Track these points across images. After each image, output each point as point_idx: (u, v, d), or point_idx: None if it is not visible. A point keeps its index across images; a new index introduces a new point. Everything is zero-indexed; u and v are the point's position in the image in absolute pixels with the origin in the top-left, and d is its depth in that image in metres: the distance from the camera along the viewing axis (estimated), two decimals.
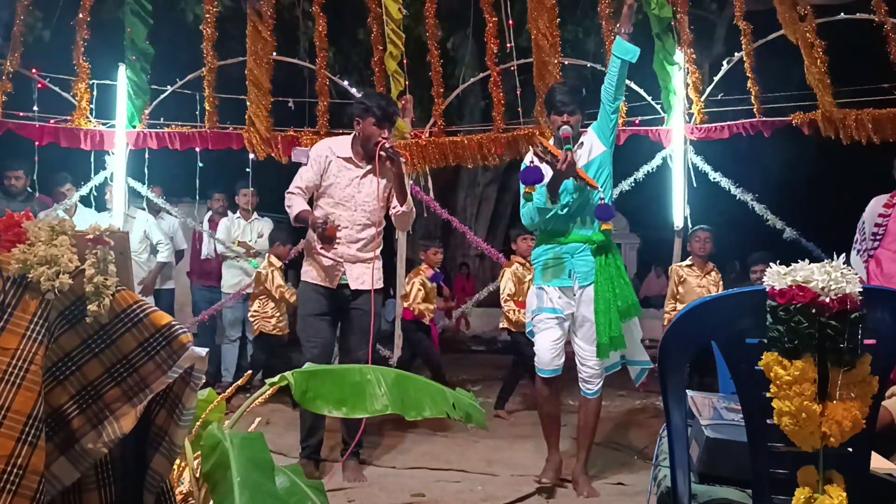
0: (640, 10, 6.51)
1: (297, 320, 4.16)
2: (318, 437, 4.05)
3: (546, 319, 3.74)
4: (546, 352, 3.73)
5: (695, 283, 5.53)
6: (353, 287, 3.94)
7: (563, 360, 3.78)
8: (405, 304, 6.22)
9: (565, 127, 3.62)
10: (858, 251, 4.79)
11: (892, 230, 4.66)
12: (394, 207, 3.97)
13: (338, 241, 3.81)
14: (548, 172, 3.60)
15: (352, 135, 3.99)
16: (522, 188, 3.65)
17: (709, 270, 5.52)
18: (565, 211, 3.69)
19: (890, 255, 4.64)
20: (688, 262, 5.65)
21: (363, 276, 3.97)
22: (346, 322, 4.02)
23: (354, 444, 3.98)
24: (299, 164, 4.08)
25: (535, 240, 3.96)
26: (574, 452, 4.46)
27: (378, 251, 4.09)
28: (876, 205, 4.78)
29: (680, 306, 5.56)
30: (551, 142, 3.79)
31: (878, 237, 4.70)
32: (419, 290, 6.16)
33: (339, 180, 3.93)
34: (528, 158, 3.70)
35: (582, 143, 3.74)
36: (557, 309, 3.72)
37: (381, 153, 3.80)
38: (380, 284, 4.07)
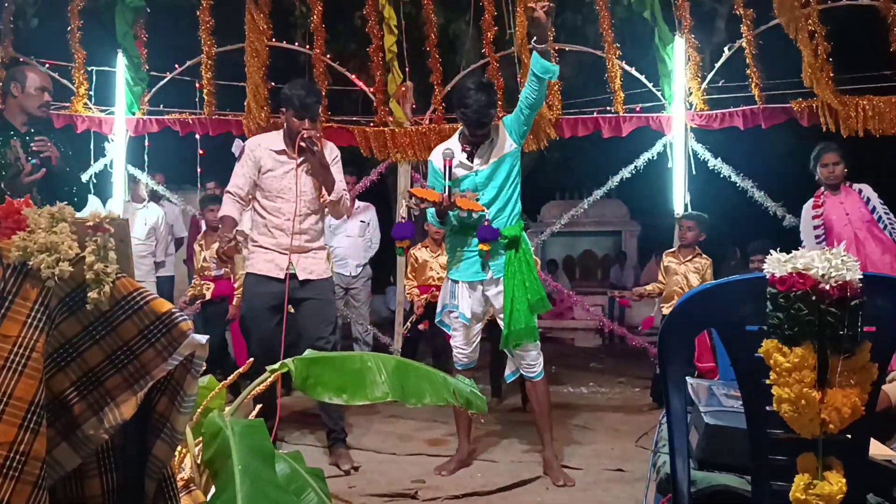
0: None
1: (242, 313, 4.18)
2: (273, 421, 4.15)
3: (457, 320, 3.85)
4: (460, 351, 3.87)
5: (674, 269, 5.55)
6: (301, 278, 3.94)
7: (477, 353, 3.93)
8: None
9: (447, 151, 3.69)
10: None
11: (831, 227, 4.87)
12: (322, 198, 4.00)
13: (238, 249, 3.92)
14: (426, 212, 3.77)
15: (283, 127, 3.98)
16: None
17: (691, 258, 5.52)
18: (458, 226, 3.77)
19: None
20: (674, 248, 5.68)
21: (311, 267, 3.98)
22: (300, 313, 4.00)
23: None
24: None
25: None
26: (576, 439, 4.49)
27: (323, 241, 4.13)
28: (807, 211, 5.10)
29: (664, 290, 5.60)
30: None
31: (820, 238, 4.89)
32: (412, 264, 5.95)
33: (274, 173, 3.94)
34: (402, 210, 3.79)
35: (493, 139, 3.76)
36: (465, 315, 3.81)
37: (302, 144, 3.83)
38: (329, 273, 4.10)
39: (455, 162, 3.70)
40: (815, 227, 4.99)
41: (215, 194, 6.46)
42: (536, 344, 3.79)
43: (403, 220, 3.87)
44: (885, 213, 4.88)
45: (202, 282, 5.73)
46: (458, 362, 3.90)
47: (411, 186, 6.81)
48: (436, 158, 3.78)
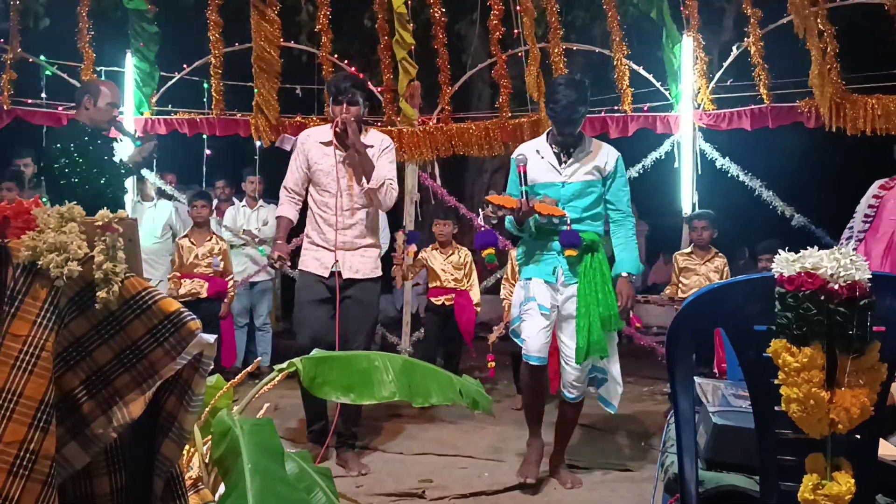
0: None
1: (294, 307, 4.14)
2: (324, 421, 4.01)
3: (533, 309, 3.61)
4: (534, 338, 3.58)
5: (694, 270, 5.50)
6: (345, 276, 3.86)
7: (547, 351, 3.66)
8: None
9: (521, 157, 3.55)
10: (852, 231, 4.80)
11: (881, 214, 4.72)
12: (362, 186, 3.87)
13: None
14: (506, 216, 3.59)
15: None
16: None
17: (710, 257, 5.46)
18: (536, 231, 3.62)
19: (876, 237, 4.68)
20: (688, 249, 5.61)
21: (357, 265, 3.91)
22: (342, 311, 3.90)
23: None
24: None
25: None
26: (583, 438, 4.48)
27: (377, 238, 4.04)
28: (873, 188, 4.84)
29: (679, 292, 5.53)
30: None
31: (869, 219, 4.74)
32: (419, 265, 5.89)
33: (321, 167, 3.89)
34: (481, 217, 3.66)
35: (589, 151, 3.63)
36: (544, 305, 3.59)
37: (337, 130, 3.82)
38: (377, 273, 4.01)
39: (541, 165, 3.57)
40: (870, 206, 4.78)
41: (202, 190, 6.46)
42: (606, 360, 3.56)
43: (484, 229, 3.75)
44: None
45: (187, 279, 5.71)
46: (531, 354, 3.60)
47: (418, 187, 6.81)
48: (517, 158, 3.61)
